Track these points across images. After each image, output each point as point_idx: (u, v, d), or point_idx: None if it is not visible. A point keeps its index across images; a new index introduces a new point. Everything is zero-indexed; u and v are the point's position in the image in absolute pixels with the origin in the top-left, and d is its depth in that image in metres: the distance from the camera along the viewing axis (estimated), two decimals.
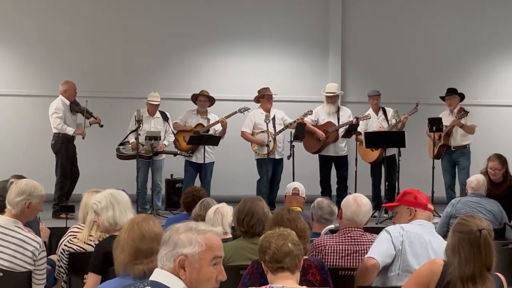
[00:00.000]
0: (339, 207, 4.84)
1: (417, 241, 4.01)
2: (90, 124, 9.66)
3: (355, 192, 8.90)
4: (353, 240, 4.45)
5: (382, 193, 9.76)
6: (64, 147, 9.31)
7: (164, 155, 10.09)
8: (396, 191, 9.23)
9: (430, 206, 4.31)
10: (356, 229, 4.56)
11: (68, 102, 9.41)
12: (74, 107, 9.48)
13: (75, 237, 4.86)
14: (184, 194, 6.64)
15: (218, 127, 10.11)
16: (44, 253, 4.31)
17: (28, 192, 4.33)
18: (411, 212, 4.25)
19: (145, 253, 3.30)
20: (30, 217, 4.52)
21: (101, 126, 9.72)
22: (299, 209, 6.24)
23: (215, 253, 2.62)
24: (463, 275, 3.22)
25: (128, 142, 9.86)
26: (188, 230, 2.62)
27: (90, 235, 4.82)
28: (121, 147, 9.85)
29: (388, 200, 9.16)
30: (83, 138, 9.44)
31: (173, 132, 10.11)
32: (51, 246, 6.85)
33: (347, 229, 4.57)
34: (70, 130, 9.30)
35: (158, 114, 10.09)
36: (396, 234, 4.04)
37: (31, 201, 4.34)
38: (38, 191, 4.37)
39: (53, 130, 9.37)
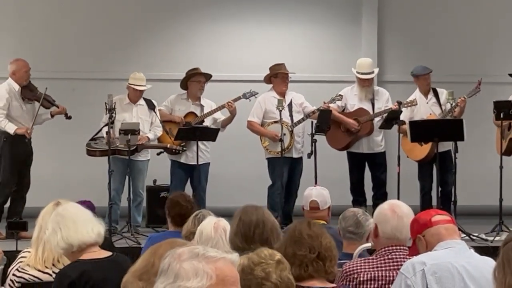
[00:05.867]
0: None
1: (447, 274, 3.96)
2: (52, 116, 9.72)
3: (398, 200, 8.89)
4: (395, 264, 4.41)
5: (434, 201, 9.71)
6: (8, 147, 9.37)
7: (149, 155, 10.07)
8: (453, 199, 9.21)
9: (438, 217, 4.19)
10: (399, 248, 4.53)
11: (17, 87, 9.47)
12: (27, 94, 9.50)
13: (27, 264, 4.85)
14: (169, 204, 6.61)
15: (218, 116, 10.14)
16: None
17: None
18: (421, 240, 4.17)
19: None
20: None
21: (69, 117, 9.71)
22: (323, 222, 6.21)
23: None
24: None
25: (103, 137, 9.82)
26: (194, 256, 2.57)
27: (44, 259, 4.81)
28: (92, 142, 9.83)
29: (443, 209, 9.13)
30: (26, 138, 9.40)
31: (162, 124, 10.07)
32: (4, 275, 6.88)
33: (388, 249, 4.53)
34: (10, 128, 9.32)
35: (142, 101, 10.08)
36: (415, 280, 3.94)
37: None
38: None
39: None
